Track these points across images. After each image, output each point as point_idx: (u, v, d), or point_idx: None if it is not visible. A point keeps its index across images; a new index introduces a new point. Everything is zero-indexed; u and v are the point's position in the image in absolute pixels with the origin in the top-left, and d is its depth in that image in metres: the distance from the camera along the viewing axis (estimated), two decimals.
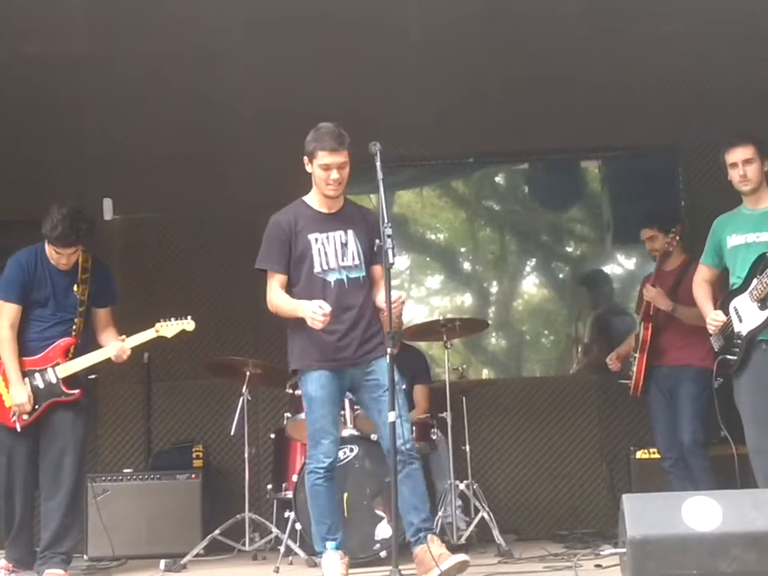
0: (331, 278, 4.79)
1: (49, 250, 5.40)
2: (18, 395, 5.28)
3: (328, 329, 4.67)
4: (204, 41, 7.21)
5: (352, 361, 4.76)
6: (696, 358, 5.74)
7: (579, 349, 7.88)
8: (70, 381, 5.38)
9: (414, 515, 4.68)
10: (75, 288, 5.45)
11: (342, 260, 4.79)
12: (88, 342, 5.50)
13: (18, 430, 5.32)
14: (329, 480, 4.78)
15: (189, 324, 5.56)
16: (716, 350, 5.04)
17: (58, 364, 5.37)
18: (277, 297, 4.86)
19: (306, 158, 4.81)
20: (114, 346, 5.39)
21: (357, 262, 4.83)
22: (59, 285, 5.44)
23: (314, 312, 4.60)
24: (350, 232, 4.85)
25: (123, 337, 5.44)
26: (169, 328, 5.52)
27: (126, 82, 7.30)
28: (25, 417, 5.31)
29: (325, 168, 4.75)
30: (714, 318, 4.99)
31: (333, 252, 4.79)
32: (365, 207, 5.18)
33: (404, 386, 5.15)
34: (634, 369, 6.04)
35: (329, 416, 4.77)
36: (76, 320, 5.45)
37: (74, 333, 5.45)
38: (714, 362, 5.04)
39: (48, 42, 7.29)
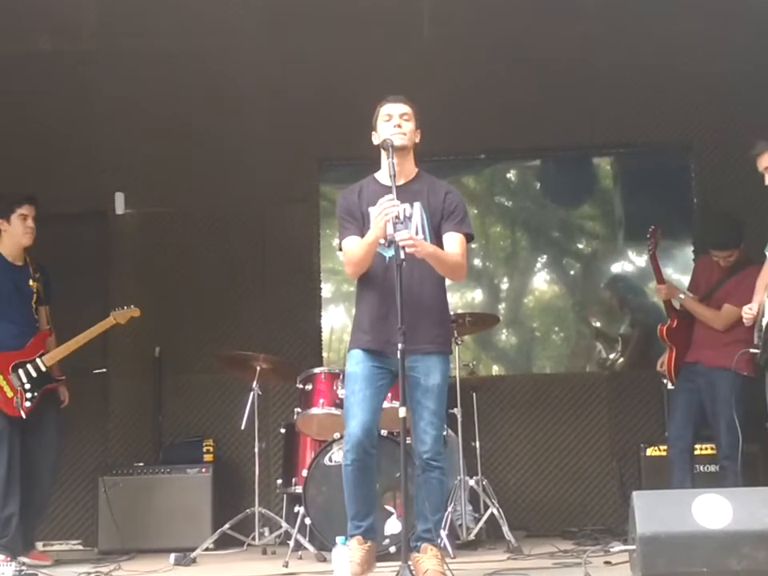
0: (389, 253, 4.39)
1: (14, 223, 5.71)
2: None
3: (376, 309, 4.46)
4: (215, 37, 7.23)
5: (395, 347, 4.19)
6: (733, 360, 5.34)
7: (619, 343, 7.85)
8: (55, 368, 5.81)
9: (420, 522, 4.59)
10: (31, 282, 5.80)
11: None
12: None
13: (24, 417, 5.56)
14: (358, 469, 4.46)
15: (135, 311, 6.01)
16: (755, 341, 4.91)
17: (42, 354, 5.73)
18: (352, 250, 4.49)
19: (374, 132, 4.64)
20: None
21: (420, 237, 4.46)
22: (19, 279, 5.76)
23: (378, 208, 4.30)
24: (417, 204, 4.53)
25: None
26: (122, 315, 5.96)
27: (138, 77, 7.31)
28: (27, 404, 5.57)
29: (387, 119, 4.57)
30: (747, 308, 4.87)
31: (392, 226, 4.31)
32: (437, 178, 4.75)
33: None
34: (664, 361, 6.06)
35: (359, 393, 4.44)
36: (36, 314, 5.81)
37: (41, 325, 5.84)
38: (750, 364, 4.94)
39: (61, 38, 7.34)
